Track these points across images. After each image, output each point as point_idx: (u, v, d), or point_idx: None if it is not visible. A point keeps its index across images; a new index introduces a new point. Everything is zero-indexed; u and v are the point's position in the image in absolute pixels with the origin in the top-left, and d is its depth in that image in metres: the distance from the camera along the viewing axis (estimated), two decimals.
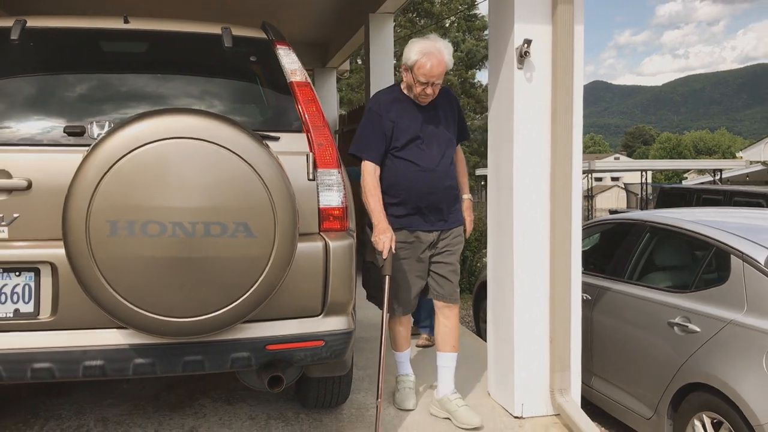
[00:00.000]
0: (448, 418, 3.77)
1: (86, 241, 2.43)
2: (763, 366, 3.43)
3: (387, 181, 3.68)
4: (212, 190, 2.50)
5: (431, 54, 3.51)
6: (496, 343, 4.09)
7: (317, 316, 2.91)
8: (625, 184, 36.88)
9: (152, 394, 3.98)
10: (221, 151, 2.51)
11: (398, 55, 8.74)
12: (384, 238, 3.48)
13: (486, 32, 36.63)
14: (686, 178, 37.46)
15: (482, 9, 35.02)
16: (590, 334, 4.70)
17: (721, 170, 22.77)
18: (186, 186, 2.48)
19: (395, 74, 8.48)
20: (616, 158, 59.28)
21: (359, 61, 26.23)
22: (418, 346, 5.05)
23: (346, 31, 9.48)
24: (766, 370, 3.40)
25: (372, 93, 7.22)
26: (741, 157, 19.08)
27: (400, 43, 18.30)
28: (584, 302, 4.35)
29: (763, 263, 3.74)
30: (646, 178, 28.05)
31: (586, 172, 22.42)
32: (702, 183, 20.72)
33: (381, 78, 7.86)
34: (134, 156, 2.44)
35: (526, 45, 3.65)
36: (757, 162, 18.15)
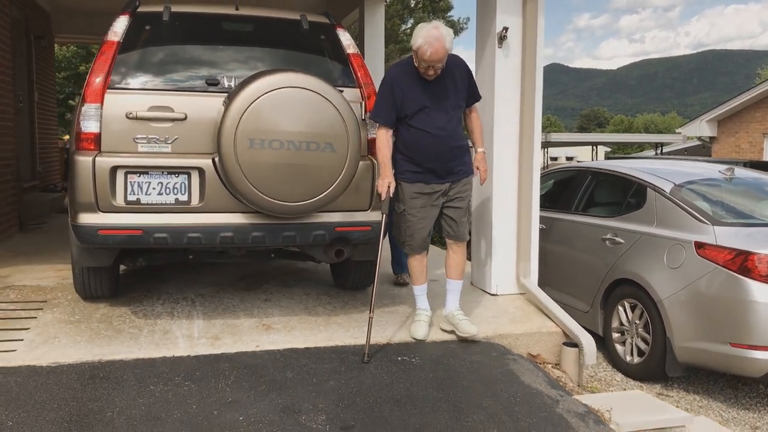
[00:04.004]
0: (453, 331, 4.39)
1: (234, 152, 3.80)
2: (664, 261, 4.94)
3: (403, 146, 4.25)
4: (311, 121, 3.89)
5: (431, 43, 3.93)
6: (478, 246, 5.39)
7: (366, 210, 4.31)
8: (578, 161, 38.70)
9: (228, 281, 5.35)
10: (317, 96, 3.90)
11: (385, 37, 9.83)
12: (383, 183, 4.11)
13: (449, 13, 37.94)
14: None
15: None
16: (545, 253, 5.94)
17: (662, 145, 24.59)
18: (296, 118, 3.86)
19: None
20: None
21: None
22: (396, 284, 5.59)
23: (338, 12, 10.41)
24: (666, 263, 4.92)
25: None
26: (680, 132, 20.57)
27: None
28: (541, 230, 5.47)
29: (668, 192, 5.26)
30: (596, 156, 29.77)
31: (543, 144, 23.72)
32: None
33: (374, 57, 8.90)
34: (264, 98, 3.81)
35: (504, 31, 5.01)
36: (693, 138, 19.88)
